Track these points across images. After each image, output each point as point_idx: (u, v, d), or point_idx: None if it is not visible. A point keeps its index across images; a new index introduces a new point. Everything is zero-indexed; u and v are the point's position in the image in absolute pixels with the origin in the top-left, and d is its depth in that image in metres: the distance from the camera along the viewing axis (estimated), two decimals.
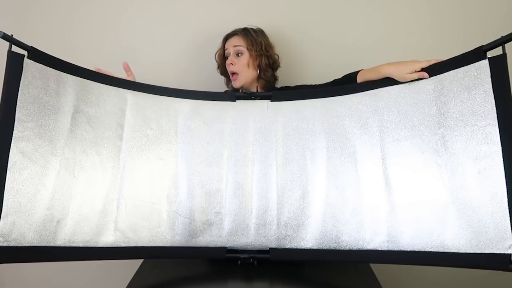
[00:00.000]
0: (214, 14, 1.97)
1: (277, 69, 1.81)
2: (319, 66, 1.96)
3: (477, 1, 1.92)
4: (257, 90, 1.63)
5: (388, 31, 1.95)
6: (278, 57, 1.81)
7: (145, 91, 1.50)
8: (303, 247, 1.40)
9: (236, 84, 1.73)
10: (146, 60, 1.96)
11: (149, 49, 1.98)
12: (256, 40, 1.73)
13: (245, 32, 1.75)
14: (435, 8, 1.94)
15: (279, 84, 1.86)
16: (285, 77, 1.90)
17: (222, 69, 1.82)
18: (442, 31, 1.93)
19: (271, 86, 1.80)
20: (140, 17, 1.97)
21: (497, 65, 1.16)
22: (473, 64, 1.21)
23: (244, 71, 1.71)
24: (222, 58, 1.79)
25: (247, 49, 1.71)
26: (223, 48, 1.78)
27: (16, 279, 2.01)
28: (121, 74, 1.53)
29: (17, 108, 1.18)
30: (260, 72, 1.74)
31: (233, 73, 1.72)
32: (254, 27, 1.79)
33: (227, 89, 1.88)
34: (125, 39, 1.97)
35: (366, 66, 1.51)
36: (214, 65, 1.85)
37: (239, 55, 1.72)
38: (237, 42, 1.73)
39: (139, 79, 1.53)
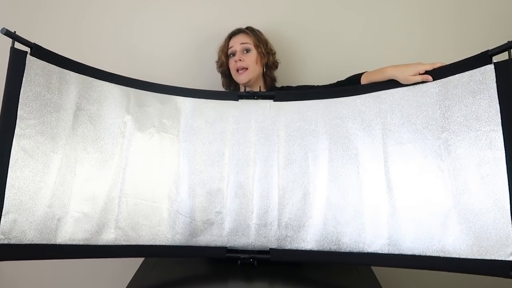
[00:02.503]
0: (214, 13, 1.96)
1: (276, 68, 1.82)
2: (318, 66, 1.95)
3: (482, 4, 1.91)
4: (260, 90, 1.62)
5: (388, 31, 1.95)
6: (275, 53, 1.81)
7: (148, 89, 1.49)
8: (303, 248, 1.40)
9: (243, 78, 1.70)
10: (147, 58, 1.96)
11: (150, 47, 1.97)
12: (261, 38, 1.74)
13: (250, 30, 1.76)
14: (437, 8, 1.93)
15: (278, 84, 1.86)
16: (285, 77, 1.90)
17: (225, 68, 1.79)
18: (444, 32, 1.92)
19: (272, 85, 1.80)
20: (141, 15, 1.97)
21: (502, 71, 1.15)
22: (478, 68, 1.20)
23: (253, 66, 1.70)
24: (226, 56, 1.77)
25: (255, 46, 1.71)
26: (226, 45, 1.76)
27: (16, 277, 2.01)
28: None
29: (19, 105, 1.17)
30: (266, 70, 1.75)
31: (241, 68, 1.70)
32: (254, 28, 1.79)
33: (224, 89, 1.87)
34: (126, 37, 1.97)
35: (366, 66, 1.51)
36: (215, 64, 1.83)
37: (247, 51, 1.71)
38: (244, 40, 1.73)
39: (140, 78, 1.52)
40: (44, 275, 2.01)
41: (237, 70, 1.71)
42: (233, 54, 1.74)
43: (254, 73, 1.71)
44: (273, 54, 1.78)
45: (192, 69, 1.96)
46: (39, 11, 1.95)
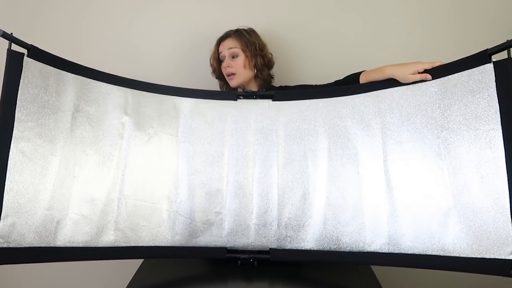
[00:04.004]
0: (212, 13, 1.95)
1: (272, 67, 1.80)
2: (315, 65, 1.94)
3: (481, 4, 1.91)
4: (258, 90, 1.62)
5: (387, 31, 1.94)
6: (272, 55, 1.80)
7: (146, 89, 1.49)
8: (303, 248, 1.40)
9: (233, 83, 1.71)
10: (146, 59, 1.95)
11: (149, 48, 1.96)
12: (250, 40, 1.71)
13: (238, 34, 1.73)
14: (435, 7, 1.92)
15: (276, 83, 1.85)
16: (282, 77, 1.89)
17: (218, 73, 1.79)
18: (442, 31, 1.92)
19: (268, 85, 1.79)
20: (140, 16, 1.95)
21: (502, 69, 1.15)
22: (477, 67, 1.20)
23: (241, 71, 1.69)
24: (217, 61, 1.77)
25: (242, 50, 1.70)
26: (217, 51, 1.76)
27: (16, 277, 2.01)
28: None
29: (17, 107, 1.17)
30: (257, 72, 1.73)
31: (230, 74, 1.70)
32: (246, 28, 1.77)
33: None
34: (124, 37, 1.95)
35: (363, 65, 1.51)
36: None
37: (235, 57, 1.70)
38: (232, 44, 1.71)
39: (139, 78, 1.51)
40: (44, 276, 2.00)
41: (228, 75, 1.72)
42: (223, 59, 1.73)
43: (243, 77, 1.70)
44: (264, 54, 1.74)
45: (191, 69, 1.96)
46: (37, 12, 1.93)
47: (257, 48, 1.72)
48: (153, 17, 1.96)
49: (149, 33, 1.96)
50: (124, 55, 1.92)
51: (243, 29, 1.76)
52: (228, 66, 1.69)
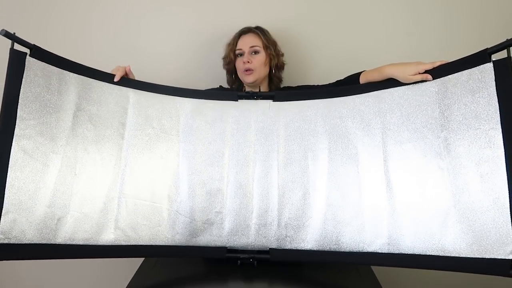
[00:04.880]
0: (217, 13, 1.96)
1: (283, 68, 1.82)
2: (321, 66, 1.95)
3: (481, 3, 1.91)
4: (259, 90, 1.62)
5: (390, 32, 1.95)
6: (283, 55, 1.81)
7: (148, 90, 1.50)
8: (303, 248, 1.40)
9: (250, 78, 1.71)
10: (151, 59, 1.96)
11: (151, 47, 1.98)
12: (270, 40, 1.75)
13: (259, 31, 1.76)
14: (437, 9, 1.93)
15: (282, 85, 1.85)
16: (289, 78, 1.89)
17: (232, 65, 1.79)
18: (445, 32, 1.92)
19: (276, 87, 1.79)
20: (143, 15, 1.97)
21: (501, 69, 1.15)
22: (477, 67, 1.20)
23: (260, 68, 1.71)
24: (234, 54, 1.77)
25: (264, 47, 1.72)
26: (235, 44, 1.76)
27: (16, 278, 2.02)
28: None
29: (19, 106, 1.19)
30: (274, 72, 1.76)
31: (248, 69, 1.71)
32: (264, 28, 1.79)
33: (227, 86, 1.87)
34: (127, 37, 1.97)
35: (369, 66, 1.51)
36: (216, 63, 1.83)
37: (255, 53, 1.72)
38: (254, 42, 1.73)
39: (141, 77, 1.53)
40: (44, 275, 2.01)
41: (245, 70, 1.72)
42: (241, 54, 1.74)
43: (260, 74, 1.72)
44: (282, 55, 1.78)
45: (193, 69, 1.97)
46: (38, 11, 1.95)
47: (276, 48, 1.76)
48: (159, 18, 1.97)
49: (155, 34, 1.97)
50: (127, 55, 1.93)
51: (262, 28, 1.78)
52: (248, 62, 1.70)
